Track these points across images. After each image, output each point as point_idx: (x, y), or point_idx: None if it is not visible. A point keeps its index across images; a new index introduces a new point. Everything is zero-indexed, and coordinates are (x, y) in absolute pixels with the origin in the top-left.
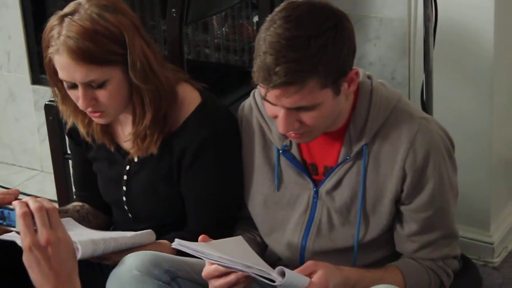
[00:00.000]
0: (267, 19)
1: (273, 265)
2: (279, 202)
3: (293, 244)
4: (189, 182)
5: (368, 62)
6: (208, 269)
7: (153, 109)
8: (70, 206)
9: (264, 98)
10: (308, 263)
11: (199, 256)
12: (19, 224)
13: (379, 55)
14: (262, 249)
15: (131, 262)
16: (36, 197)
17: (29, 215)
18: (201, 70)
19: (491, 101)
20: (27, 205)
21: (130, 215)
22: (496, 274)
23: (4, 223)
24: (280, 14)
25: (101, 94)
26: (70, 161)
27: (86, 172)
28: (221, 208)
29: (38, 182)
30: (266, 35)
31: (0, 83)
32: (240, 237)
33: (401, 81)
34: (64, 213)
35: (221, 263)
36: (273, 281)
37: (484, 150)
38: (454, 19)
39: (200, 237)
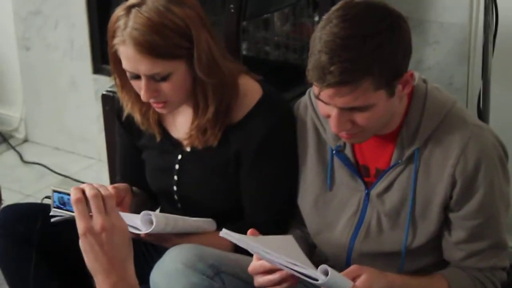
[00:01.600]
0: (324, 17)
1: (320, 264)
2: (329, 203)
3: (340, 245)
4: (247, 177)
5: (426, 66)
6: (254, 264)
7: (216, 102)
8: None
9: (317, 97)
10: (353, 267)
11: (245, 248)
12: (74, 210)
13: (437, 60)
14: (311, 249)
15: (176, 255)
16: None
17: (83, 201)
18: (259, 67)
19: None
20: (83, 191)
21: (179, 205)
22: None
23: (64, 209)
24: (337, 13)
25: (164, 87)
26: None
27: (133, 161)
28: (278, 203)
29: (95, 171)
30: (322, 33)
31: (63, 71)
32: (290, 236)
33: (459, 87)
34: (135, 196)
35: (265, 257)
36: (316, 280)
37: None
38: None
39: (249, 231)
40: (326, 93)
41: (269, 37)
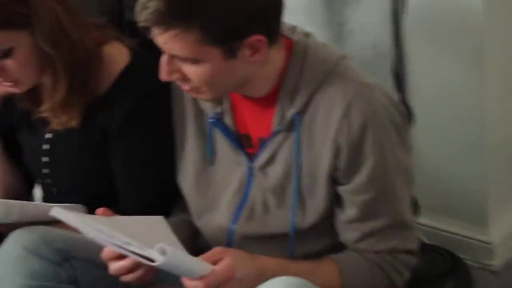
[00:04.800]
0: None
1: (203, 251)
2: (211, 180)
3: (222, 228)
4: (116, 157)
5: (348, 29)
6: (106, 249)
7: (68, 79)
8: None
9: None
10: (215, 249)
11: (78, 228)
12: None
13: (359, 21)
14: (196, 235)
15: (17, 238)
16: None
17: None
18: None
19: (483, 73)
20: None
21: (54, 189)
22: (494, 279)
23: None
24: None
25: (9, 64)
26: None
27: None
28: (153, 185)
29: None
30: None
31: None
32: (160, 217)
33: (381, 51)
34: None
35: (98, 238)
36: (154, 261)
37: (477, 132)
38: None
39: (100, 210)
40: (154, 33)
41: None
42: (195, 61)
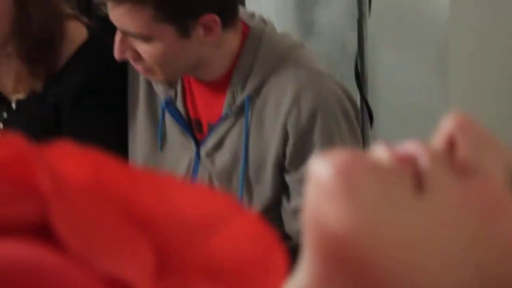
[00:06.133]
0: None
1: None
2: (160, 165)
3: None
4: (67, 132)
5: (317, 30)
6: None
7: (23, 52)
8: None
9: None
10: None
11: None
12: None
13: (328, 22)
14: None
15: None
16: None
17: None
18: None
19: (446, 75)
20: None
21: None
22: None
23: None
24: None
25: None
26: None
27: None
28: None
29: None
30: None
31: None
32: None
33: (352, 52)
34: None
35: None
36: None
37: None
38: None
39: None
40: (108, 7)
41: None
42: (147, 38)
